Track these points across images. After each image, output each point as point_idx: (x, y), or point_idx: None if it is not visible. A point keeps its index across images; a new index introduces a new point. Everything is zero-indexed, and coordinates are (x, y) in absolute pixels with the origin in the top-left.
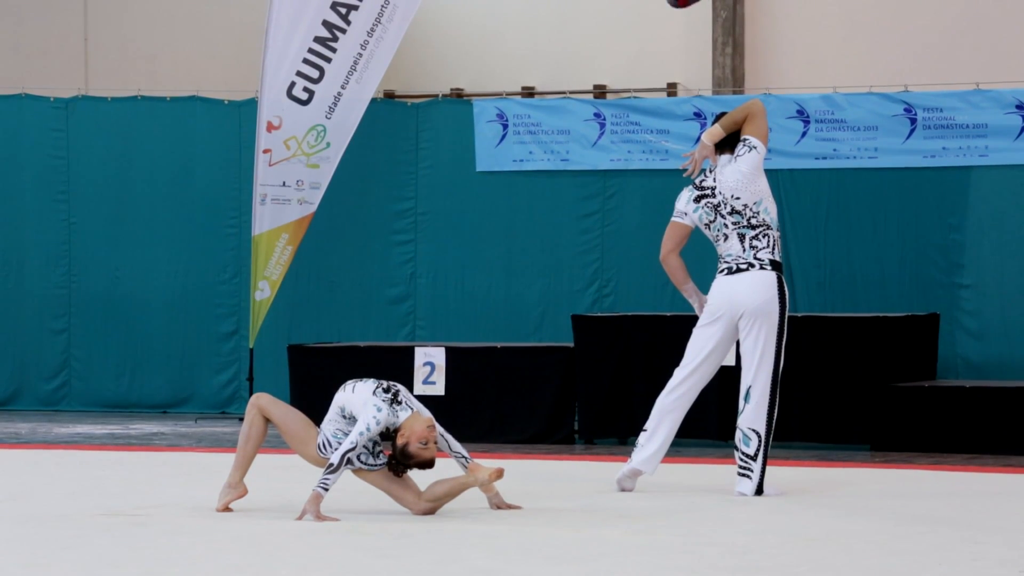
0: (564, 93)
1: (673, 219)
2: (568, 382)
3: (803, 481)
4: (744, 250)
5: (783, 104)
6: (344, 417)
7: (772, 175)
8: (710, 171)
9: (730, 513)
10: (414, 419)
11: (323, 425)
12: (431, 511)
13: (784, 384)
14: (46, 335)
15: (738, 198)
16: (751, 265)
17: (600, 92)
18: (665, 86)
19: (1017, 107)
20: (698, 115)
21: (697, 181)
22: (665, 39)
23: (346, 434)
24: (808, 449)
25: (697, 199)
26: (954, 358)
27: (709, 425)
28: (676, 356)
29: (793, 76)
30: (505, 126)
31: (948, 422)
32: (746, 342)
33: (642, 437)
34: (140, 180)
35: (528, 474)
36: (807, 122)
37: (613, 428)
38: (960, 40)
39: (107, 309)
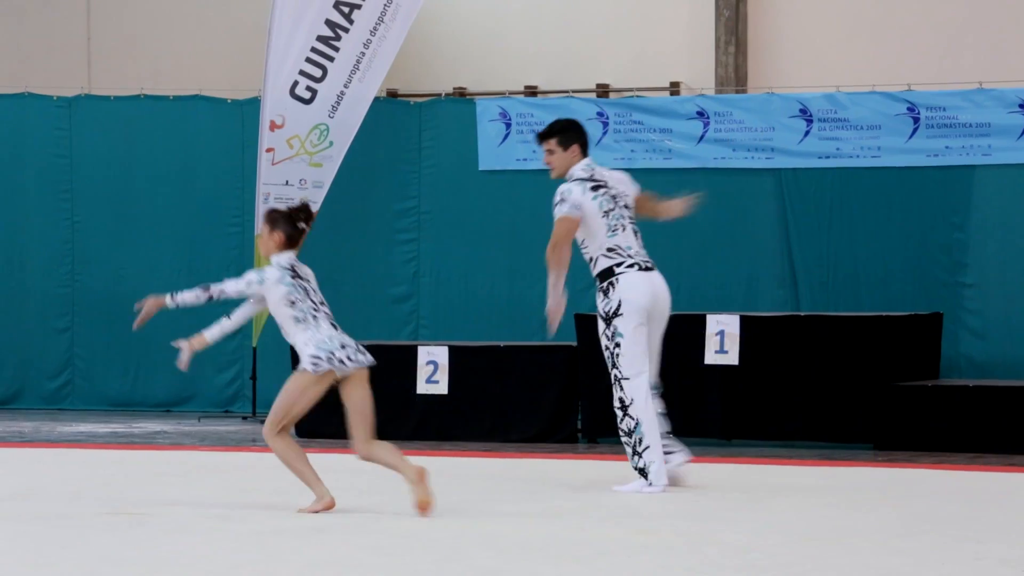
0: (567, 92)
1: (567, 215)
2: (571, 381)
3: (806, 480)
4: (641, 247)
5: (786, 103)
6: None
7: (775, 174)
8: (591, 170)
9: (731, 512)
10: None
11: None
12: (367, 460)
13: (787, 383)
14: (49, 334)
15: (627, 195)
16: (652, 265)
17: (603, 91)
18: (668, 85)
19: (1020, 106)
20: (701, 114)
21: (586, 175)
22: (668, 38)
23: (298, 320)
24: (811, 448)
25: (595, 188)
26: (957, 357)
27: (710, 424)
28: (677, 355)
29: (796, 75)
30: (508, 125)
31: (951, 421)
32: (652, 339)
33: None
34: (143, 179)
35: (531, 473)
36: (810, 121)
37: (616, 427)
38: (963, 39)
39: (110, 307)
